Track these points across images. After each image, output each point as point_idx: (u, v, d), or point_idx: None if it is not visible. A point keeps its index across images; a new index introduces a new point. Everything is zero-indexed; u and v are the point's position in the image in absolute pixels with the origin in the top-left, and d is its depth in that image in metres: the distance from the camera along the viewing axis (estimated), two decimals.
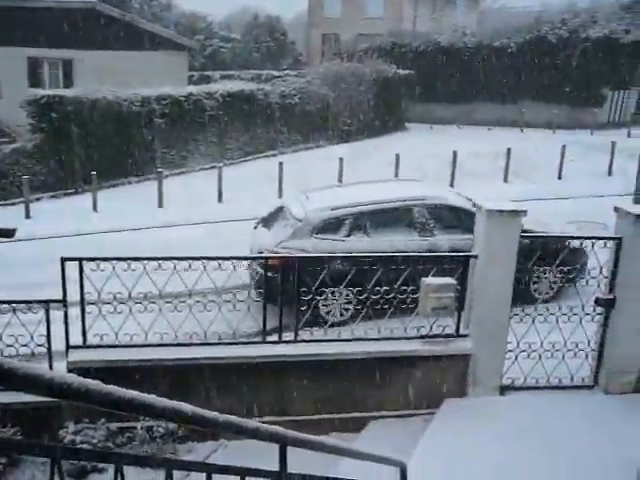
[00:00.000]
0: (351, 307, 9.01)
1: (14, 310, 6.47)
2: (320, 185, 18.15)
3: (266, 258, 7.42)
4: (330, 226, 9.68)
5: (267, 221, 10.82)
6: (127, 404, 1.70)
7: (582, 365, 7.45)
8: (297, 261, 7.03)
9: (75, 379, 1.55)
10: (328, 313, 9.05)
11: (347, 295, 8.87)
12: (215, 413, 2.10)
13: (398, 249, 8.58)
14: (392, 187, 11.83)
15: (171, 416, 1.90)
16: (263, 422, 6.85)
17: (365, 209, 9.83)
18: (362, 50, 35.05)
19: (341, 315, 9.14)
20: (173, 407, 1.84)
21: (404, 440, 6.78)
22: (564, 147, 21.16)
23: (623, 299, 7.10)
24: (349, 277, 7.45)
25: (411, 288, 7.31)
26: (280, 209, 10.79)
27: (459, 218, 9.76)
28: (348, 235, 9.67)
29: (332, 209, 9.86)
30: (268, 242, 9.82)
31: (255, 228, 10.89)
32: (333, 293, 8.74)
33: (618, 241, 7.10)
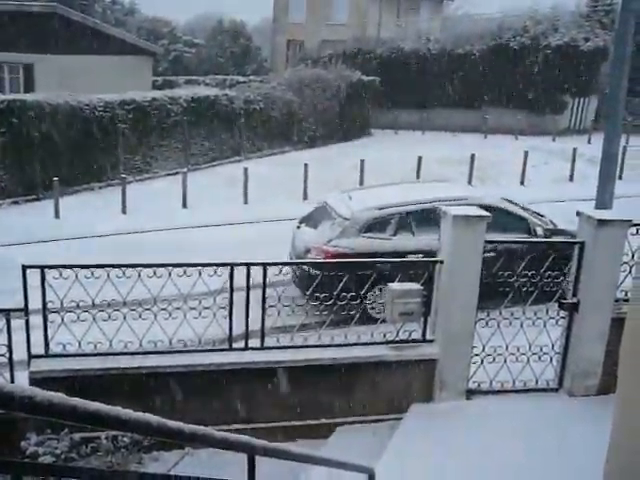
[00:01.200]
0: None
1: None
2: (284, 191, 18.16)
3: (229, 265, 7.33)
4: (377, 225, 10.16)
5: (310, 220, 11.21)
6: (92, 417, 1.65)
7: (547, 368, 7.54)
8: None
9: (38, 392, 1.49)
10: (372, 309, 9.24)
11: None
12: (181, 424, 2.06)
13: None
14: (431, 188, 12.20)
15: (137, 428, 1.86)
16: (231, 430, 6.78)
17: (410, 209, 10.35)
18: (327, 56, 35.15)
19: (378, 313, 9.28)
20: (138, 419, 1.80)
21: (372, 446, 6.78)
22: (526, 153, 21.46)
23: (586, 303, 7.20)
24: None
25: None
26: (322, 209, 11.20)
27: (495, 217, 9.98)
28: (394, 234, 10.15)
29: (378, 209, 10.36)
30: (316, 240, 10.21)
31: (298, 228, 11.21)
32: (381, 290, 8.86)
33: (580, 245, 7.20)
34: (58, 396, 1.54)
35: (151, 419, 1.87)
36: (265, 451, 2.74)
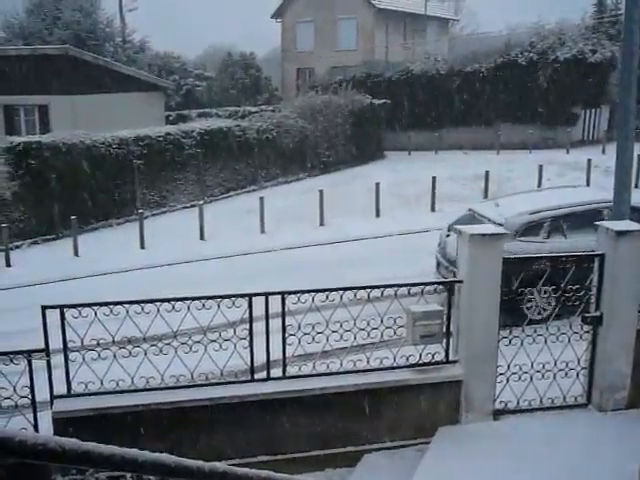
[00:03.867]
0: (550, 307, 9.36)
1: None
2: (301, 218, 18.20)
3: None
4: (530, 229, 10.69)
5: None
6: (106, 461, 1.63)
7: (574, 384, 7.42)
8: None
9: (51, 439, 1.48)
10: (529, 309, 9.61)
11: (545, 293, 9.51)
12: (200, 462, 2.03)
13: (593, 249, 8.54)
14: (575, 192, 12.82)
15: (154, 470, 1.83)
16: (256, 462, 6.73)
17: (561, 212, 10.93)
18: (336, 82, 35.39)
19: (539, 314, 9.48)
20: (154, 460, 1.77)
21: (400, 472, 6.69)
22: (541, 167, 21.37)
23: (609, 316, 7.10)
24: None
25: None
26: (469, 216, 11.83)
27: None
28: (547, 237, 10.67)
29: (530, 213, 10.99)
30: None
31: (447, 236, 11.70)
32: (539, 292, 9.29)
33: (601, 258, 7.12)
34: (71, 442, 1.53)
35: (167, 460, 1.84)
36: None
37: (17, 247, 17.84)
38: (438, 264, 12.23)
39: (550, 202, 11.28)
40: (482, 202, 12.28)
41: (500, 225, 10.34)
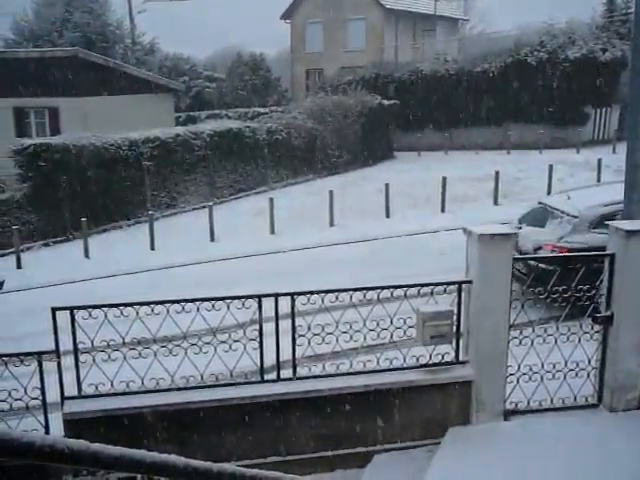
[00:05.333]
0: None
1: (6, 364, 6.37)
2: (311, 219, 18.19)
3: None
4: (604, 221, 10.54)
5: (529, 221, 12.07)
6: (115, 462, 1.63)
7: (585, 384, 7.38)
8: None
9: (59, 441, 1.48)
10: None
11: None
12: (209, 463, 2.03)
13: None
14: None
15: (163, 470, 1.84)
16: (266, 463, 6.73)
17: None
18: (346, 82, 35.37)
19: None
20: (163, 461, 1.78)
21: (410, 472, 6.68)
22: (551, 167, 21.27)
23: (620, 315, 7.06)
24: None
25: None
26: (541, 210, 12.18)
27: None
28: None
29: (605, 205, 11.05)
30: (548, 238, 11.06)
31: (519, 228, 11.63)
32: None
33: (611, 257, 7.08)
34: (79, 443, 1.53)
35: (177, 461, 1.85)
36: None
37: (28, 249, 17.95)
38: None
39: (619, 195, 11.51)
40: (552, 196, 12.88)
41: (575, 217, 10.97)
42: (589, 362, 7.33)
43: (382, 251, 15.93)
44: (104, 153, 20.42)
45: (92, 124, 23.45)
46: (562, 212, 11.42)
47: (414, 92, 35.16)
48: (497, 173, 20.62)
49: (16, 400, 6.43)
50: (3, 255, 17.72)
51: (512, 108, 33.37)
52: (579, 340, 7.19)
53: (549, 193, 21.02)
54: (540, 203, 12.72)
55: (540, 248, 10.98)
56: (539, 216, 12.00)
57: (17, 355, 6.41)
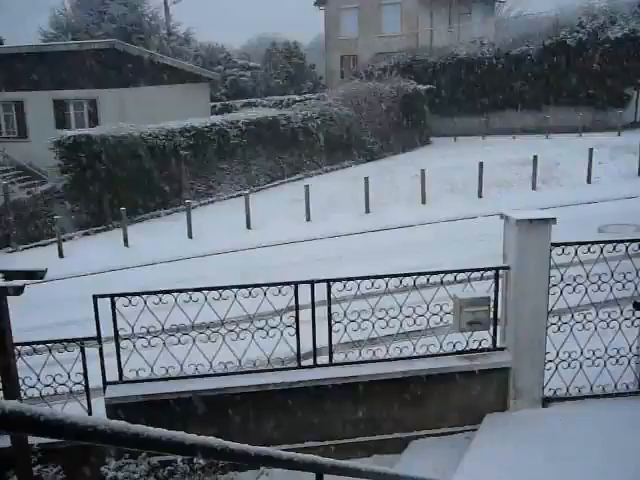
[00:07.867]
0: None
1: (50, 350, 6.52)
2: (347, 206, 18.15)
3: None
4: None
5: None
6: (154, 443, 1.67)
7: (625, 371, 7.27)
8: None
9: (100, 421, 1.53)
10: None
11: None
12: (245, 446, 2.06)
13: None
14: None
15: (200, 452, 1.88)
16: (303, 448, 6.79)
17: None
18: (381, 68, 35.14)
19: None
20: (201, 443, 1.81)
21: (447, 458, 6.67)
22: (591, 150, 20.91)
23: None
24: None
25: None
26: None
27: None
28: None
29: None
30: None
31: None
32: None
33: None
34: (121, 424, 1.57)
35: (214, 442, 1.89)
36: (333, 469, 2.73)
37: (69, 238, 18.28)
38: None
39: None
40: None
41: None
42: (630, 349, 7.21)
43: (418, 237, 15.86)
44: (142, 143, 20.66)
45: (130, 115, 23.74)
46: None
47: (450, 76, 34.84)
48: (535, 158, 20.33)
49: (60, 385, 6.59)
50: (45, 244, 18.10)
51: (551, 91, 32.85)
52: (619, 327, 7.08)
53: (589, 177, 20.71)
54: None
55: None
56: None
57: (60, 341, 6.56)
